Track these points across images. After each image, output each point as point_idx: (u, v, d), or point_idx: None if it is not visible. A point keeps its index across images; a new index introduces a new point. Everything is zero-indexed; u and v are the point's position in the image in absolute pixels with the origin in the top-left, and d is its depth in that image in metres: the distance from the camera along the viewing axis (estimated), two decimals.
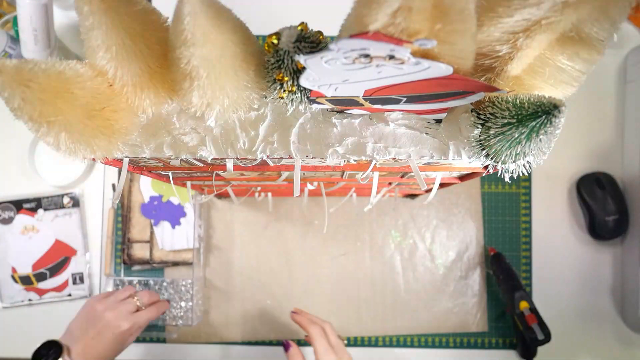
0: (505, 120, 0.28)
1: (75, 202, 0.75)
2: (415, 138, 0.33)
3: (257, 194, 0.70)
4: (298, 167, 0.34)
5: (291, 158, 0.33)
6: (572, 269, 0.75)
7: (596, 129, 0.76)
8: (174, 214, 0.75)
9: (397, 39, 0.22)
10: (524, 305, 0.66)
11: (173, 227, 0.74)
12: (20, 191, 0.76)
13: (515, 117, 0.27)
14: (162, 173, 0.44)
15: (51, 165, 0.76)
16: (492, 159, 0.32)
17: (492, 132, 0.30)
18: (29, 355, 0.52)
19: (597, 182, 0.73)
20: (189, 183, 0.50)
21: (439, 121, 0.33)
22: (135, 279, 0.74)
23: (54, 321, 0.75)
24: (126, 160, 0.34)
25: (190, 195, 0.57)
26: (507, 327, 0.74)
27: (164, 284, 0.74)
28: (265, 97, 0.32)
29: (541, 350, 0.71)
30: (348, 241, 0.76)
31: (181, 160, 0.34)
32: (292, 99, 0.32)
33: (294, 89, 0.30)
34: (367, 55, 0.23)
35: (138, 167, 0.39)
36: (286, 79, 0.30)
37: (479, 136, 0.32)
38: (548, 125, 0.26)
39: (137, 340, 0.74)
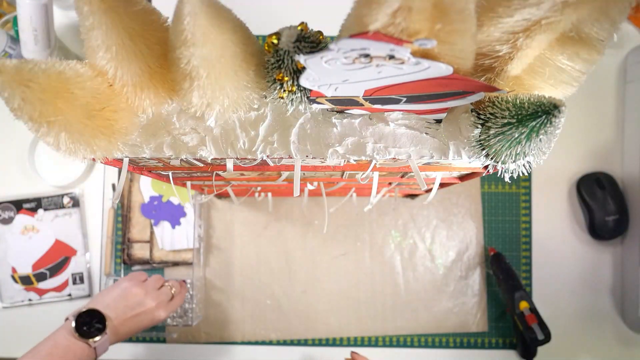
0: (505, 120, 0.28)
1: (75, 202, 0.75)
2: (415, 138, 0.33)
3: (257, 194, 0.70)
4: (298, 167, 0.34)
5: (291, 158, 0.33)
6: (572, 269, 0.75)
7: (596, 129, 0.76)
8: (174, 214, 0.75)
9: (397, 39, 0.22)
10: (524, 305, 0.66)
11: (173, 227, 0.74)
12: (20, 191, 0.76)
13: (515, 117, 0.27)
14: (162, 173, 0.44)
15: (51, 165, 0.76)
16: (492, 159, 0.32)
17: (492, 132, 0.30)
18: None
19: (597, 182, 0.73)
20: (189, 183, 0.50)
21: (439, 121, 0.33)
22: None
23: (54, 321, 0.74)
24: (126, 160, 0.34)
25: (190, 195, 0.57)
26: (507, 327, 0.74)
27: None
28: (265, 97, 0.32)
29: (541, 350, 0.71)
30: (348, 241, 0.76)
31: (181, 160, 0.34)
32: (292, 99, 0.32)
33: (294, 89, 0.30)
34: (367, 55, 0.23)
35: (138, 167, 0.39)
36: (286, 79, 0.30)
37: (479, 136, 0.32)
38: (548, 125, 0.26)
39: (137, 340, 0.74)
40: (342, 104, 0.31)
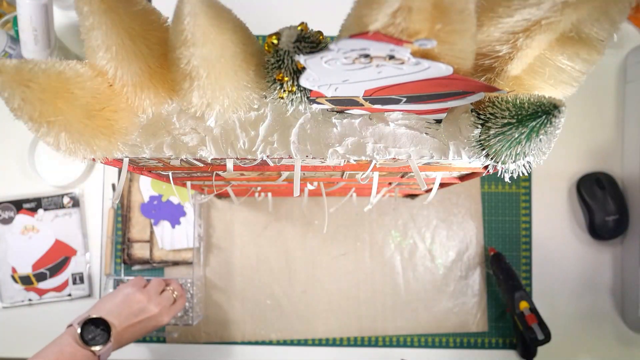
0: (505, 120, 0.28)
1: (75, 202, 0.75)
2: (415, 138, 0.33)
3: (257, 194, 0.70)
4: (298, 167, 0.34)
5: (291, 158, 0.33)
6: (572, 269, 0.75)
7: (596, 129, 0.76)
8: (174, 214, 0.75)
9: (397, 39, 0.22)
10: (524, 305, 0.66)
11: (173, 226, 0.74)
12: (20, 191, 0.76)
13: (515, 117, 0.27)
14: (162, 173, 0.44)
15: (51, 165, 0.76)
16: (492, 159, 0.32)
17: (492, 132, 0.30)
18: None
19: (597, 182, 0.73)
20: (189, 183, 0.50)
21: (439, 121, 0.33)
22: None
23: (54, 321, 0.75)
24: (126, 160, 0.34)
25: (190, 195, 0.57)
26: (507, 327, 0.74)
27: None
28: (265, 97, 0.32)
29: (541, 350, 0.71)
30: (348, 241, 0.76)
31: (181, 160, 0.34)
32: (292, 99, 0.32)
33: (294, 89, 0.30)
34: (367, 56, 0.23)
35: (138, 167, 0.39)
36: (286, 79, 0.30)
37: (479, 136, 0.32)
38: (548, 125, 0.26)
39: (137, 340, 0.74)
40: (342, 104, 0.31)
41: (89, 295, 0.75)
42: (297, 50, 0.27)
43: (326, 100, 0.30)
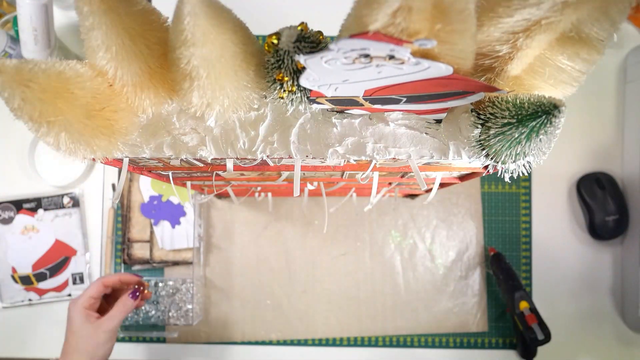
0: (505, 120, 0.28)
1: (75, 202, 0.75)
2: (415, 138, 0.33)
3: (257, 194, 0.70)
4: (298, 167, 0.34)
5: (291, 158, 0.33)
6: (572, 269, 0.75)
7: (596, 129, 0.76)
8: (174, 214, 0.75)
9: (397, 39, 0.22)
10: (524, 305, 0.66)
11: (173, 226, 0.74)
12: (20, 191, 0.76)
13: (515, 117, 0.27)
14: (162, 173, 0.44)
15: (51, 165, 0.76)
16: (492, 159, 0.32)
17: (492, 132, 0.30)
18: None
19: (597, 182, 0.73)
20: (189, 183, 0.50)
21: (439, 121, 0.33)
22: None
23: (54, 321, 0.75)
24: (126, 160, 0.34)
25: (190, 195, 0.57)
26: (507, 327, 0.74)
27: (163, 283, 0.74)
28: (265, 97, 0.32)
29: (541, 350, 0.71)
30: (348, 241, 0.76)
31: (181, 160, 0.34)
32: (292, 99, 0.32)
33: (294, 89, 0.30)
34: (367, 55, 0.23)
35: (138, 167, 0.39)
36: (286, 79, 0.30)
37: (479, 136, 0.32)
38: (548, 125, 0.26)
39: (137, 340, 0.74)
40: (342, 104, 0.31)
41: None
42: (297, 50, 0.27)
43: (326, 100, 0.30)
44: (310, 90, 0.29)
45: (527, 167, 0.32)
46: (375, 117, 0.33)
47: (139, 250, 0.74)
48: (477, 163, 0.34)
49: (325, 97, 0.30)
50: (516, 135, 0.28)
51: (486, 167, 0.36)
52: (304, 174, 0.47)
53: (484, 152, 0.32)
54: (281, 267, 0.76)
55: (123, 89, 0.30)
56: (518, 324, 0.67)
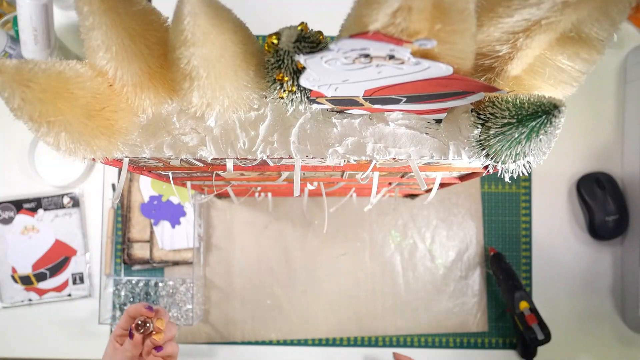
0: (505, 120, 0.28)
1: (75, 202, 0.75)
2: (415, 138, 0.33)
3: (257, 194, 0.70)
4: (298, 167, 0.34)
5: (291, 158, 0.33)
6: (572, 269, 0.75)
7: (596, 129, 0.76)
8: (174, 214, 0.75)
9: (397, 39, 0.22)
10: (524, 305, 0.66)
11: (173, 226, 0.74)
12: (20, 191, 0.76)
13: (515, 117, 0.27)
14: (162, 173, 0.44)
15: (51, 165, 0.76)
16: (492, 159, 0.32)
17: (492, 132, 0.30)
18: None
19: (597, 182, 0.73)
20: (189, 183, 0.50)
21: (439, 121, 0.33)
22: (135, 279, 0.74)
23: (54, 321, 0.75)
24: (126, 160, 0.34)
25: (190, 195, 0.57)
26: (507, 327, 0.74)
27: (163, 283, 0.74)
28: (265, 97, 0.32)
29: (541, 350, 0.71)
30: (348, 241, 0.76)
31: (181, 160, 0.34)
32: (292, 99, 0.32)
33: (294, 89, 0.30)
34: (367, 55, 0.23)
35: (138, 167, 0.39)
36: (286, 79, 0.30)
37: (479, 136, 0.32)
38: (548, 125, 0.26)
39: None
40: (342, 104, 0.31)
41: (89, 295, 0.75)
42: (297, 50, 0.27)
43: (326, 100, 0.30)
44: (310, 90, 0.29)
45: (527, 167, 0.32)
46: (375, 117, 0.33)
47: (139, 250, 0.74)
48: (477, 163, 0.34)
49: (325, 97, 0.30)
50: (516, 135, 0.28)
51: (486, 167, 0.36)
52: (304, 174, 0.47)
53: (484, 152, 0.32)
54: (281, 267, 0.76)
55: (123, 89, 0.30)
56: (518, 324, 0.67)
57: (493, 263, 0.72)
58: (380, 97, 0.29)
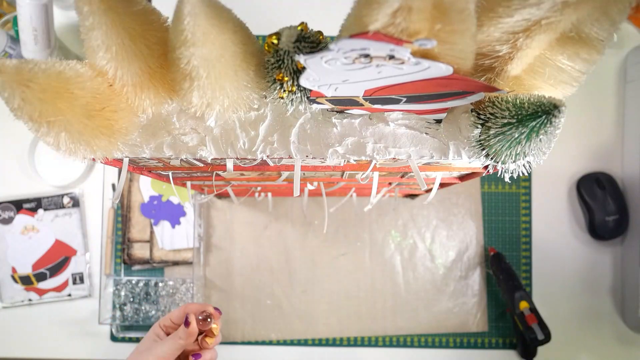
0: (505, 120, 0.28)
1: (75, 202, 0.75)
2: (415, 138, 0.33)
3: (257, 194, 0.70)
4: (298, 167, 0.34)
5: (291, 158, 0.33)
6: (572, 269, 0.75)
7: (596, 129, 0.76)
8: (174, 214, 0.75)
9: (397, 39, 0.22)
10: (524, 305, 0.66)
11: (173, 226, 0.74)
12: (20, 191, 0.76)
13: (515, 117, 0.27)
14: (162, 173, 0.44)
15: (51, 165, 0.76)
16: (492, 159, 0.32)
17: (492, 132, 0.30)
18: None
19: (597, 182, 0.73)
20: (189, 183, 0.50)
21: (439, 121, 0.33)
22: (135, 279, 0.74)
23: (54, 321, 0.75)
24: (126, 160, 0.34)
25: (190, 195, 0.57)
26: (507, 327, 0.74)
27: (163, 283, 0.74)
28: (265, 97, 0.32)
29: (541, 350, 0.71)
30: (348, 241, 0.76)
31: (181, 160, 0.34)
32: (292, 99, 0.32)
33: (294, 89, 0.30)
34: (367, 55, 0.23)
35: (138, 167, 0.39)
36: (286, 79, 0.30)
37: (479, 136, 0.32)
38: (548, 125, 0.26)
39: (137, 341, 0.74)
40: (342, 104, 0.31)
41: (89, 295, 0.75)
42: (297, 50, 0.27)
43: (326, 100, 0.30)
44: (310, 90, 0.29)
45: (527, 167, 0.32)
46: (375, 117, 0.33)
47: (139, 250, 0.74)
48: (477, 163, 0.34)
49: (325, 97, 0.30)
50: (516, 135, 0.28)
51: (486, 167, 0.36)
52: (304, 174, 0.47)
53: (484, 152, 0.32)
54: (281, 267, 0.76)
55: (123, 89, 0.30)
56: (518, 324, 0.67)
57: (493, 263, 0.72)
58: (380, 97, 0.29)
